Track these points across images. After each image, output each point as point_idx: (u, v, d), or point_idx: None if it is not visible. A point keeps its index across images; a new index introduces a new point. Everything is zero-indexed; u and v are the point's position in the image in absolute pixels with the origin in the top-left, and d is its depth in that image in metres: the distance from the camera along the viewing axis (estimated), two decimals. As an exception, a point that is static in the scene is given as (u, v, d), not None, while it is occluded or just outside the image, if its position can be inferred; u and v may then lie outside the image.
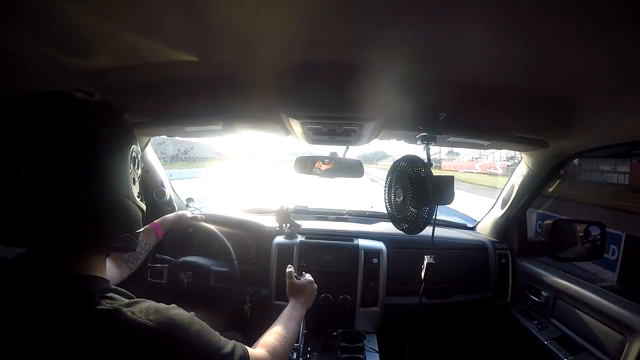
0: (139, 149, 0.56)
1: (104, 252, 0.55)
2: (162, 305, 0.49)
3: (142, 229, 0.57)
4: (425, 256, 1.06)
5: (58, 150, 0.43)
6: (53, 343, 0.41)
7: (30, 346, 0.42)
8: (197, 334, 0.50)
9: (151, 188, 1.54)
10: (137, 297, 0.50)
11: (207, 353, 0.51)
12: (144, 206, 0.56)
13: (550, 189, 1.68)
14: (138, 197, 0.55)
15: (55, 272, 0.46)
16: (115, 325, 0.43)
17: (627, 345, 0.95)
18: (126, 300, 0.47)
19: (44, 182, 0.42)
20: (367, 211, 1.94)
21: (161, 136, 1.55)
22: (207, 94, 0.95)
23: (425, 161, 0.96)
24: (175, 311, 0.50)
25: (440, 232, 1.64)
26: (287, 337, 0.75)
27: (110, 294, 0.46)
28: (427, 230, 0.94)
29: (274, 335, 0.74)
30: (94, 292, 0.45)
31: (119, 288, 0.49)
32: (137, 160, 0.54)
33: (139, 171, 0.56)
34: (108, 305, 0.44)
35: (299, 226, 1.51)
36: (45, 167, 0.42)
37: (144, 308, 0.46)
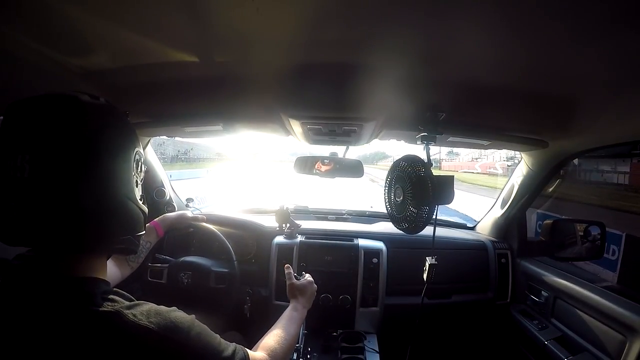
0: (143, 153, 0.57)
1: (105, 254, 0.55)
2: (163, 308, 0.49)
3: (144, 232, 0.57)
4: (426, 257, 1.05)
5: (61, 150, 0.43)
6: (54, 344, 0.42)
7: (31, 347, 0.42)
8: (198, 336, 0.50)
9: (151, 188, 1.54)
10: (137, 297, 0.50)
11: (207, 356, 0.51)
12: (146, 209, 0.57)
13: (550, 189, 1.68)
14: (140, 200, 0.55)
15: (57, 273, 0.46)
16: (117, 327, 0.43)
17: (627, 345, 0.95)
18: (127, 303, 0.47)
19: (47, 181, 0.43)
20: (367, 211, 1.93)
21: (161, 137, 1.55)
22: (207, 94, 0.95)
23: (425, 161, 0.96)
24: (176, 314, 0.50)
25: (440, 231, 1.62)
26: (287, 339, 0.75)
27: (112, 296, 0.47)
28: (427, 230, 0.94)
29: (274, 337, 0.73)
30: (96, 293, 0.45)
31: (119, 290, 0.50)
32: (140, 163, 0.55)
33: (142, 175, 0.56)
34: (109, 307, 0.44)
35: (298, 226, 1.51)
36: (48, 167, 0.43)
37: (145, 310, 0.47)
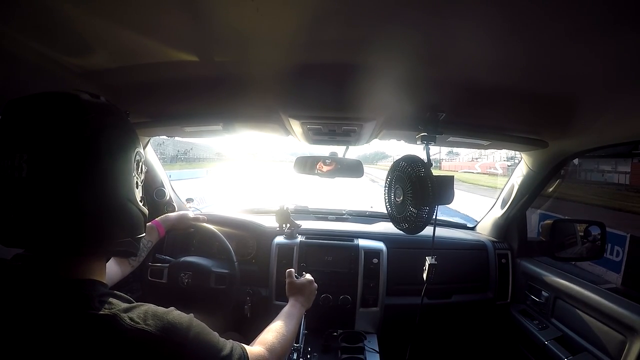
0: (143, 153, 0.56)
1: (104, 256, 0.54)
2: (160, 309, 0.49)
3: (144, 234, 0.57)
4: (426, 257, 1.05)
5: (60, 150, 0.43)
6: (51, 348, 0.41)
7: (27, 350, 0.41)
8: (197, 336, 0.50)
9: (151, 188, 1.54)
10: (137, 297, 0.49)
11: (207, 356, 0.51)
12: (146, 211, 0.56)
13: (550, 189, 1.68)
14: (141, 201, 0.54)
15: (55, 275, 0.46)
16: (114, 331, 0.43)
17: (627, 345, 0.95)
18: (124, 305, 0.46)
19: (45, 182, 0.42)
20: (367, 211, 1.94)
21: (161, 137, 1.55)
22: (207, 94, 0.95)
23: (425, 161, 0.96)
24: (174, 314, 0.49)
25: (440, 232, 1.64)
26: (285, 335, 0.75)
27: (109, 299, 0.46)
28: (427, 230, 0.94)
29: (272, 333, 0.73)
30: (93, 296, 0.45)
31: (117, 292, 0.49)
32: (140, 164, 0.54)
33: (143, 176, 0.55)
34: (106, 310, 0.44)
35: (299, 226, 1.51)
36: (46, 167, 0.42)
37: (142, 312, 0.46)
